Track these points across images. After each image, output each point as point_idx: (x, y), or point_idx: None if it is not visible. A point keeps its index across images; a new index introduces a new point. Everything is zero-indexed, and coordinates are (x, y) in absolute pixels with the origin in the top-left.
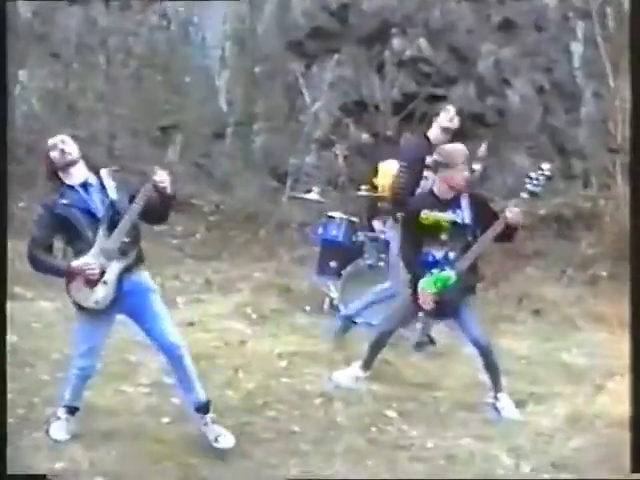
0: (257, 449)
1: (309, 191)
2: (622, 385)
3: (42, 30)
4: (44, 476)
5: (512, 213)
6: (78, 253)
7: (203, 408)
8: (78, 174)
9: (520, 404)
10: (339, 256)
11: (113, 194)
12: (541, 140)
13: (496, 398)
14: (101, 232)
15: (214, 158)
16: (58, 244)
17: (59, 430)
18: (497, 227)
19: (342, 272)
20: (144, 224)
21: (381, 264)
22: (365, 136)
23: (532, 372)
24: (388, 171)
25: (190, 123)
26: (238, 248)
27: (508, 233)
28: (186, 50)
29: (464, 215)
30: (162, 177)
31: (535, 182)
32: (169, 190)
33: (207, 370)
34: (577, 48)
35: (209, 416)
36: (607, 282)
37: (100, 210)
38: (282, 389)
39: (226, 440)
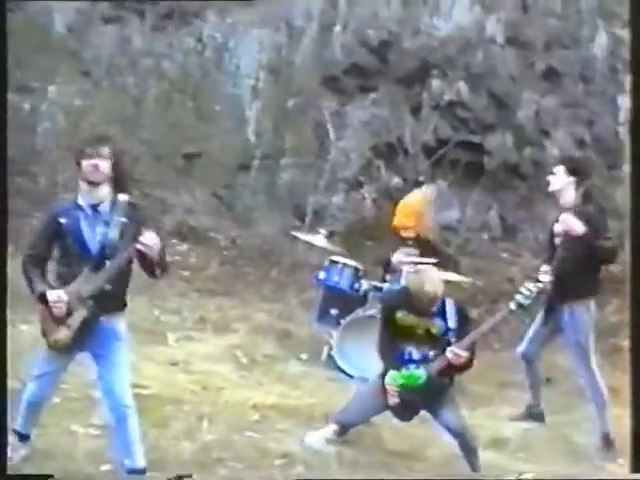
0: None
1: (317, 232)
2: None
3: (75, 46)
4: (45, 476)
5: (452, 354)
6: (60, 277)
7: (138, 474)
8: (96, 195)
9: None
10: (341, 304)
11: (115, 233)
12: None
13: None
14: (85, 272)
15: (237, 190)
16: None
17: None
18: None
19: (341, 321)
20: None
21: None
22: (396, 180)
23: (529, 448)
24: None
25: (215, 152)
26: (247, 286)
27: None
28: (219, 77)
29: (448, 320)
30: (149, 240)
31: (526, 294)
32: (154, 256)
33: (170, 416)
34: (624, 102)
35: None
36: (629, 353)
37: (95, 246)
38: (243, 445)
39: None
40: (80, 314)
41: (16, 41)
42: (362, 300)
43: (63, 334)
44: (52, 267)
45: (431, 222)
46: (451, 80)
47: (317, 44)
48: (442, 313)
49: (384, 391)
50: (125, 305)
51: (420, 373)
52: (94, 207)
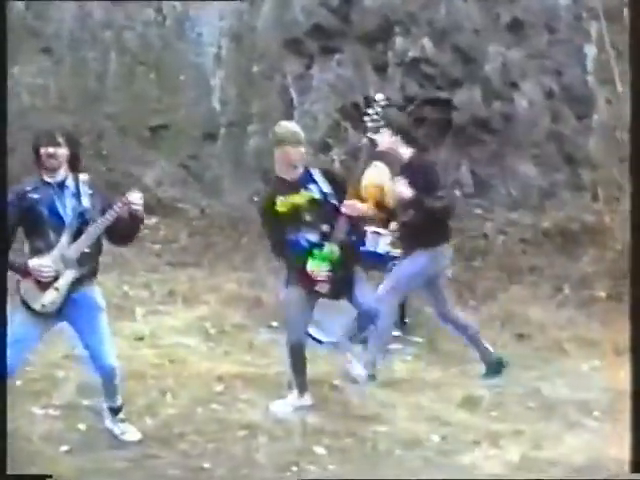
0: None
1: None
2: (602, 423)
3: (34, 24)
4: (45, 476)
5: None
6: (35, 251)
7: (116, 410)
8: (58, 174)
9: (470, 446)
10: None
11: (86, 202)
12: (548, 148)
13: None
14: (64, 238)
15: (204, 160)
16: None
17: None
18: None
19: None
20: None
21: None
22: (364, 140)
23: (500, 405)
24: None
25: (181, 123)
26: (218, 256)
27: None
28: (181, 46)
29: (321, 187)
30: (136, 198)
31: (374, 117)
32: (140, 213)
33: (132, 392)
34: (590, 51)
35: (118, 417)
36: (605, 303)
37: (68, 215)
38: (205, 417)
39: (132, 435)
40: (68, 276)
41: None
42: None
43: (51, 296)
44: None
45: (390, 190)
46: (415, 37)
47: (278, 7)
48: (312, 182)
49: (307, 286)
50: (96, 275)
51: (331, 249)
52: (60, 184)
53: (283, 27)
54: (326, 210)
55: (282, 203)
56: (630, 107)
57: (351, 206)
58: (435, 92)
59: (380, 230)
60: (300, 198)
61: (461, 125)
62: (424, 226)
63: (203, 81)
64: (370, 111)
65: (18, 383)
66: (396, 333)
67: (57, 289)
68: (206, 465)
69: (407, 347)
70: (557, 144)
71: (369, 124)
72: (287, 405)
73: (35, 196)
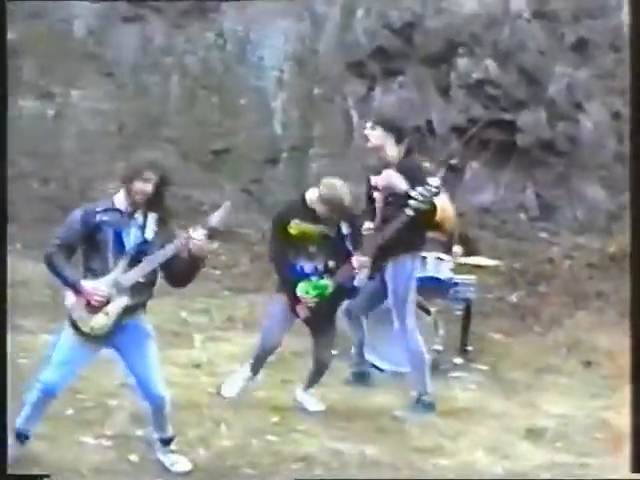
0: None
1: None
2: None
3: (96, 49)
4: (44, 476)
5: (357, 262)
6: (89, 271)
7: (167, 441)
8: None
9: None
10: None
11: (150, 235)
12: (615, 170)
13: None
14: (121, 264)
15: (265, 184)
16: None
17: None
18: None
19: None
20: None
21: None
22: (427, 164)
23: (565, 436)
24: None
25: (242, 147)
26: None
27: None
28: (242, 70)
29: (342, 227)
30: (198, 235)
31: (420, 199)
32: (201, 252)
33: (187, 422)
34: None
35: (168, 448)
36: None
37: (130, 244)
38: (260, 449)
39: (182, 466)
40: (120, 302)
41: (38, 49)
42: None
43: (101, 321)
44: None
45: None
46: (478, 58)
47: (340, 30)
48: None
49: (293, 306)
50: (146, 305)
51: (325, 283)
52: (129, 214)
53: (345, 49)
54: (337, 249)
55: (296, 226)
56: (630, 106)
57: (362, 265)
58: (499, 114)
59: (442, 255)
60: (313, 230)
61: (526, 147)
62: (407, 229)
63: (264, 105)
64: (418, 190)
65: (70, 412)
66: (458, 361)
67: (107, 314)
68: None
69: (470, 375)
70: (624, 166)
71: (413, 202)
72: (237, 380)
73: (104, 218)
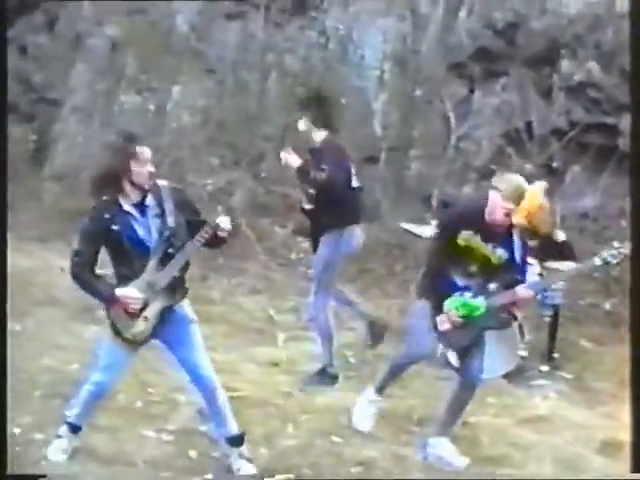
0: None
1: (427, 224)
2: None
3: (198, 45)
4: (44, 476)
5: (524, 292)
6: (121, 277)
7: (235, 441)
8: (139, 194)
9: None
10: None
11: (171, 220)
12: None
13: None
14: (152, 264)
15: (364, 184)
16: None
17: (57, 450)
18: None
19: None
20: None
21: None
22: (528, 167)
23: None
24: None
25: None
26: (371, 282)
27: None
28: (343, 69)
29: (515, 252)
30: (225, 224)
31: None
32: (225, 237)
33: (254, 420)
34: None
35: (238, 450)
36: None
37: (153, 240)
38: (323, 451)
39: (246, 470)
40: (157, 305)
41: (140, 45)
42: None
43: (141, 327)
44: (108, 269)
45: (547, 215)
46: (581, 60)
47: (443, 30)
48: (506, 244)
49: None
50: (187, 289)
51: (479, 304)
52: (140, 205)
53: (448, 50)
54: (503, 275)
55: (466, 238)
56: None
57: (527, 296)
58: (601, 117)
59: (529, 260)
60: (484, 250)
61: (628, 151)
62: (331, 207)
63: (365, 104)
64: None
65: (138, 405)
66: (544, 368)
67: (146, 318)
68: None
69: (554, 383)
70: None
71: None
72: (363, 405)
73: (115, 227)
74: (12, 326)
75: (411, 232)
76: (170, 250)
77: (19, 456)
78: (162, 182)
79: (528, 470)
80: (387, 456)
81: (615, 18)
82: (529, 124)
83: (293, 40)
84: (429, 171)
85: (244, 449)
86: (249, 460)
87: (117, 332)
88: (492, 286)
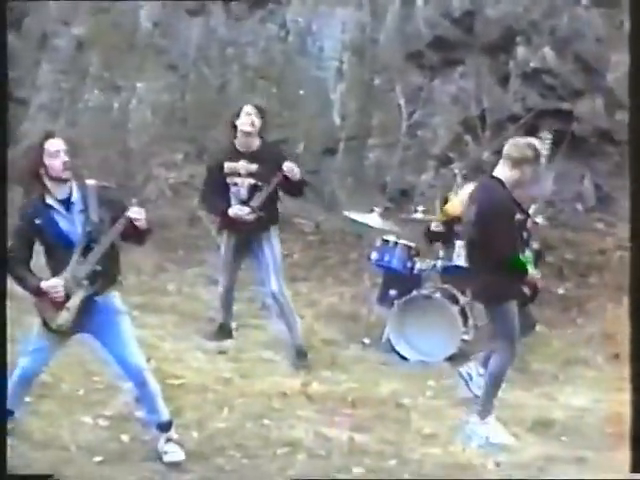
0: None
1: (372, 210)
2: None
3: (161, 42)
4: (47, 476)
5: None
6: (53, 270)
7: (164, 427)
8: (64, 189)
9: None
10: (400, 284)
11: (94, 216)
12: None
13: None
14: (75, 258)
15: (323, 174)
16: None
17: None
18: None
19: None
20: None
21: (437, 295)
22: (486, 154)
23: (579, 429)
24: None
25: (300, 138)
26: (327, 270)
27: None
28: (302, 61)
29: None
30: (137, 214)
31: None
32: (144, 226)
33: (190, 405)
34: None
35: (167, 434)
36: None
37: (77, 234)
38: (251, 433)
39: (173, 456)
40: (78, 296)
41: (103, 43)
42: (418, 280)
43: (64, 317)
44: (43, 261)
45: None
46: (536, 46)
47: (401, 20)
48: None
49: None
50: (117, 281)
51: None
52: (65, 202)
53: (405, 39)
54: None
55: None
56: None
57: None
58: (556, 103)
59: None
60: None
61: (583, 136)
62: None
63: (323, 95)
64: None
65: (80, 393)
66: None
67: (68, 309)
68: None
69: None
70: None
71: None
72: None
73: (38, 221)
74: None
75: (357, 221)
76: (92, 244)
77: None
78: (90, 181)
79: (451, 450)
80: (312, 436)
81: (570, 4)
82: (485, 111)
83: (254, 33)
84: (387, 159)
85: (172, 433)
86: (178, 444)
87: (44, 323)
88: None
